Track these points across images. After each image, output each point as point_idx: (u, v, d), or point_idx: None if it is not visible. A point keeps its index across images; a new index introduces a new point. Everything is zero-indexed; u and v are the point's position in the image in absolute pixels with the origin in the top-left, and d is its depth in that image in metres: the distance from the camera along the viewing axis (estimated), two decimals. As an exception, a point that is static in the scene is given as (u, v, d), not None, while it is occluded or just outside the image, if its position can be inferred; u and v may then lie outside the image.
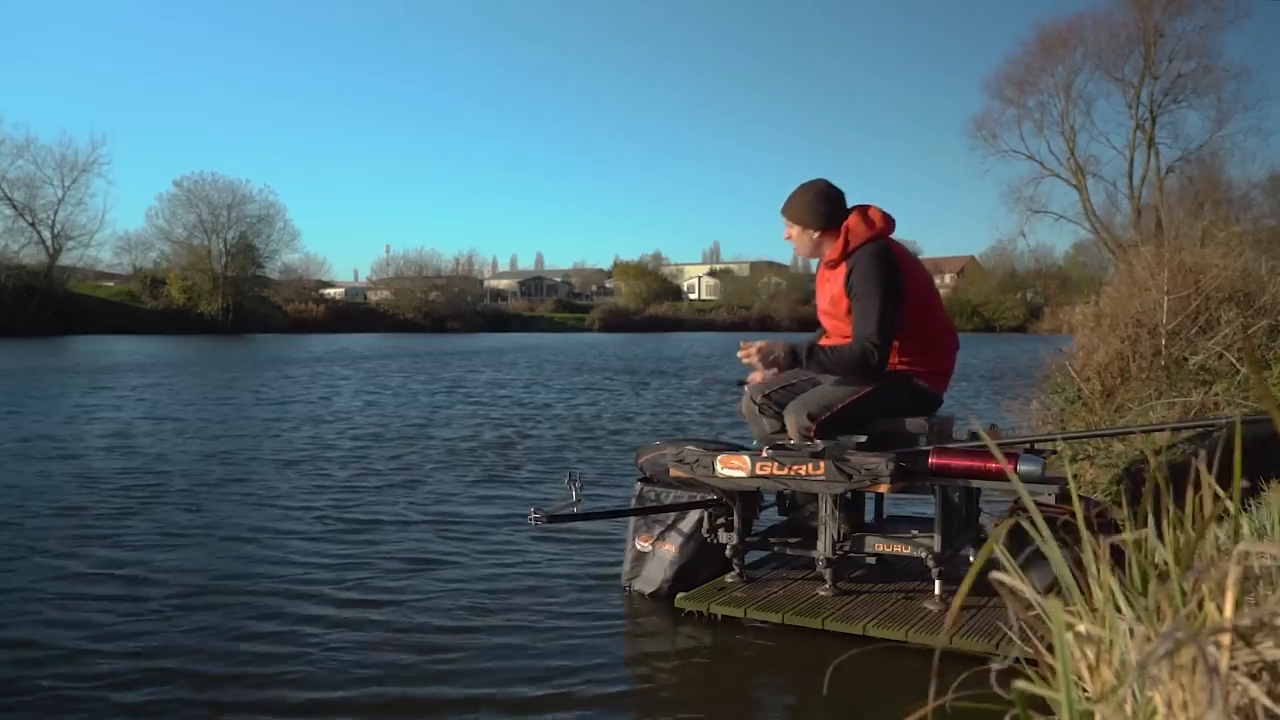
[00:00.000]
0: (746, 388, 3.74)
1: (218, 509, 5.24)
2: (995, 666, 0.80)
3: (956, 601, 0.88)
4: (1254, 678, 0.69)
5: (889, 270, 3.39)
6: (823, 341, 3.57)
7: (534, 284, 78.28)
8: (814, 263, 3.73)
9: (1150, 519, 0.90)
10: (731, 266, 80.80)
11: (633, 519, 3.76)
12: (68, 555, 4.23)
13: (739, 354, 3.58)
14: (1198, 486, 0.91)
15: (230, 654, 3.08)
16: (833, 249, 3.49)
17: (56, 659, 2.99)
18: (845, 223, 3.47)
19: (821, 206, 3.51)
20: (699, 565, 3.68)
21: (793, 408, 3.44)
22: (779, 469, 3.32)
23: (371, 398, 12.02)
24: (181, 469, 6.50)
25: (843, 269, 3.46)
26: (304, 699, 2.73)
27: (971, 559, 3.49)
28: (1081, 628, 0.81)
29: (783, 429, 3.56)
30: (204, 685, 2.82)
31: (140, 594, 3.68)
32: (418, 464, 6.85)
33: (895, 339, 3.39)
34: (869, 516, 3.89)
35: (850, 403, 3.40)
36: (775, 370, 3.58)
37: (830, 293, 3.53)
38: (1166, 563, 0.86)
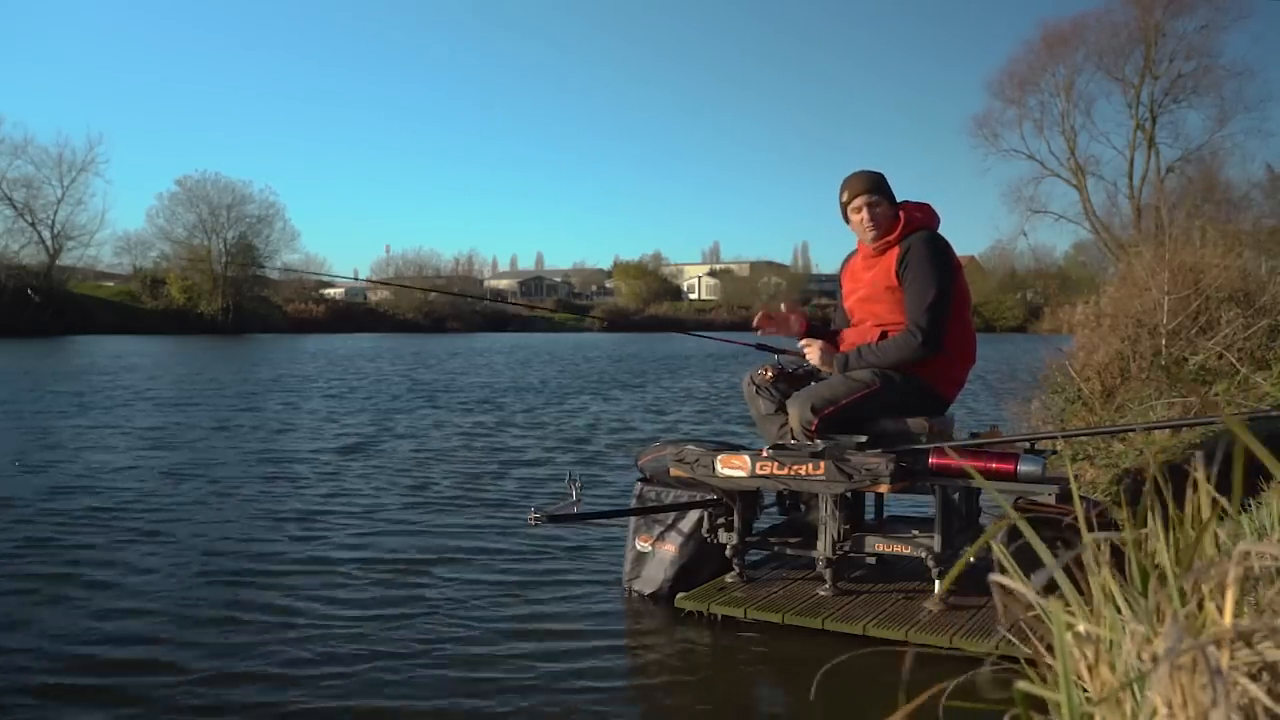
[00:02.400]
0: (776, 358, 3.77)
1: (111, 549, 4.29)
2: (994, 666, 0.80)
3: (941, 589, 0.87)
4: (1254, 678, 0.69)
5: (945, 259, 3.46)
6: (852, 329, 3.62)
7: (534, 284, 78.35)
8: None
9: (1150, 519, 0.90)
10: (731, 266, 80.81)
11: (633, 519, 3.76)
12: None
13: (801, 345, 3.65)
14: (1197, 486, 0.91)
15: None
16: (889, 231, 3.52)
17: None
18: (903, 209, 3.54)
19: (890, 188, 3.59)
20: (699, 565, 3.68)
21: (797, 400, 3.44)
22: (779, 469, 3.32)
23: (337, 404, 11.29)
24: (94, 489, 5.67)
25: (894, 252, 3.48)
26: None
27: (971, 559, 3.49)
28: (1081, 628, 0.81)
29: (777, 411, 3.59)
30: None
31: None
32: (412, 465, 6.85)
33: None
34: (869, 516, 3.88)
35: (855, 399, 3.40)
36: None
37: (873, 277, 3.54)
38: (1167, 563, 0.86)
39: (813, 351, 3.57)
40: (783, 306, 3.80)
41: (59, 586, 3.77)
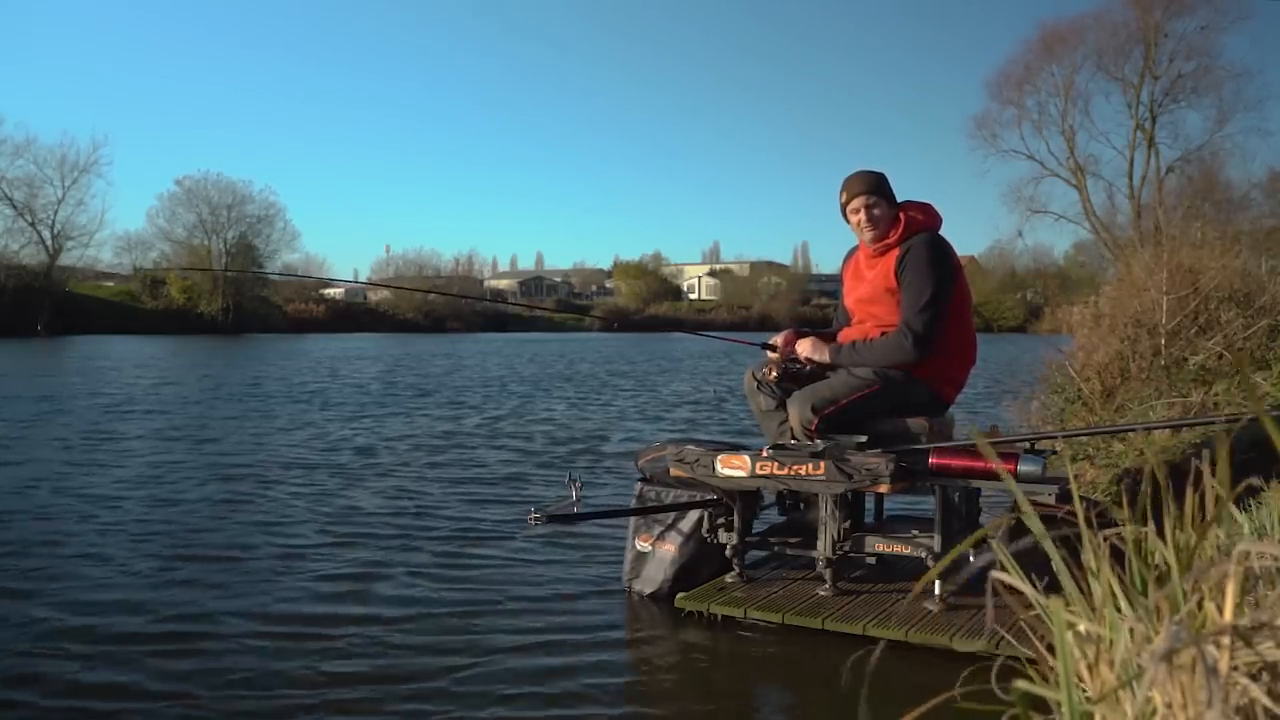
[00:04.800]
0: (768, 353, 3.76)
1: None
2: (996, 666, 0.81)
3: (934, 572, 0.87)
4: (1254, 678, 0.69)
5: (945, 260, 3.46)
6: (853, 328, 3.62)
7: (534, 284, 78.34)
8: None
9: (1150, 519, 0.90)
10: (731, 266, 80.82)
11: (633, 519, 3.77)
12: None
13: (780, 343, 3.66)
14: (1197, 486, 0.92)
15: None
16: (891, 233, 3.52)
17: None
18: (905, 210, 3.54)
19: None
20: (699, 565, 3.68)
21: (797, 399, 3.45)
22: (779, 469, 3.33)
23: (298, 410, 10.55)
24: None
25: (894, 254, 3.49)
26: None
27: (972, 559, 3.49)
28: (1081, 628, 0.81)
29: (778, 407, 3.59)
30: None
31: None
32: (401, 466, 6.85)
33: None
34: (869, 516, 3.89)
35: (855, 399, 3.40)
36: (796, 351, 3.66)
37: (874, 277, 3.55)
38: (1166, 562, 0.86)
39: (804, 346, 3.59)
40: (780, 340, 3.76)
41: None
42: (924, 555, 3.31)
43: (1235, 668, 0.69)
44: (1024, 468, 3.17)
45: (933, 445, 3.33)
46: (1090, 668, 0.80)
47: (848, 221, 3.62)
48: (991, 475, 3.24)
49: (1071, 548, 0.89)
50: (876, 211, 3.51)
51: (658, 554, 3.69)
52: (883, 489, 3.31)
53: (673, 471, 3.55)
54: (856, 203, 3.53)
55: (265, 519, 5.01)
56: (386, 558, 4.23)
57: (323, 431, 8.73)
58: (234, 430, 8.73)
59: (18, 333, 31.93)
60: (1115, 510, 0.96)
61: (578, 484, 3.64)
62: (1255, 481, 0.97)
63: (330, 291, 54.10)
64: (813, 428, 3.39)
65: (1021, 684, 0.74)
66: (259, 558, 4.23)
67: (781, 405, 3.58)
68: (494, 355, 24.89)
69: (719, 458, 3.43)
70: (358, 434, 8.56)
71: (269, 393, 12.76)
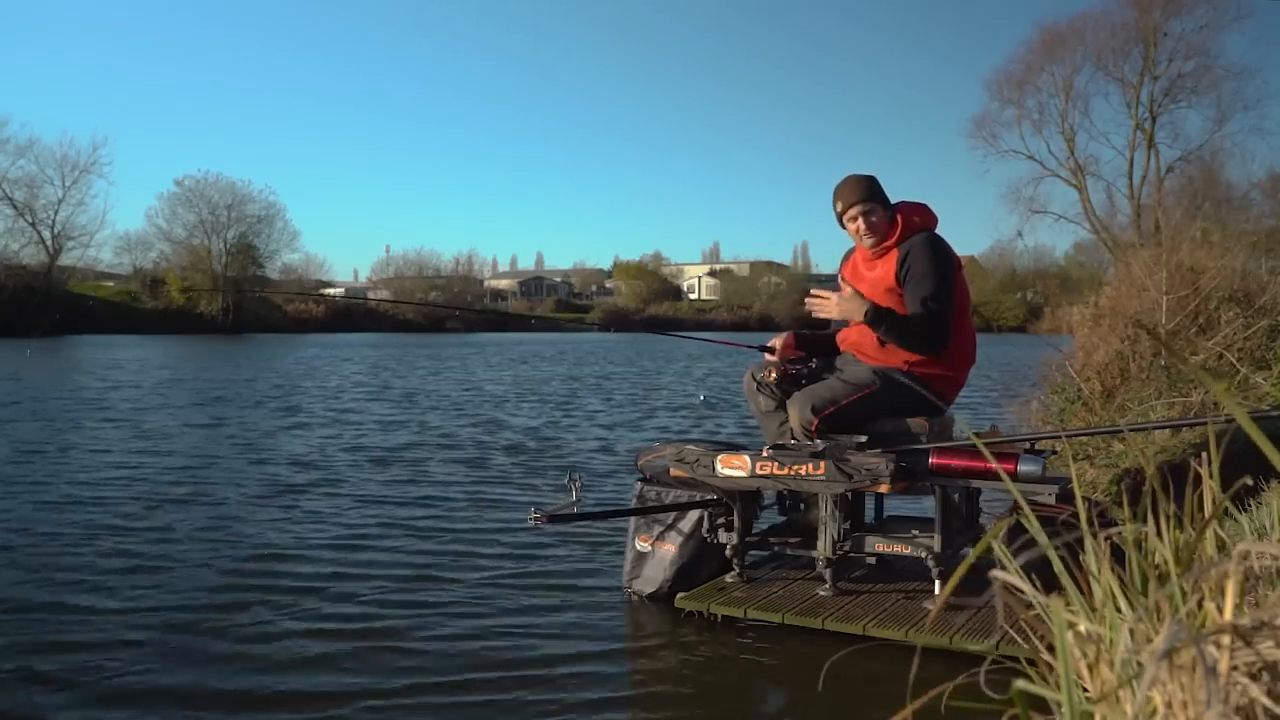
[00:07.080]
0: (766, 355, 3.76)
1: None
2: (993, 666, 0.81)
3: (942, 596, 0.88)
4: (1254, 678, 0.69)
5: (946, 258, 3.49)
6: (853, 326, 3.59)
7: (534, 284, 78.28)
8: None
9: (1150, 518, 0.90)
10: (731, 266, 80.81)
11: (633, 519, 3.77)
12: None
13: (810, 301, 3.64)
14: (1196, 486, 0.92)
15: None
16: (887, 235, 3.53)
17: None
18: (901, 211, 3.55)
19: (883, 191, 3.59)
20: (699, 565, 3.68)
21: (797, 399, 3.45)
22: (779, 469, 3.33)
23: (257, 414, 9.96)
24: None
25: (894, 255, 3.49)
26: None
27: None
28: (1082, 627, 0.81)
29: (778, 408, 3.60)
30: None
31: None
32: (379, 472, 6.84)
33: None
34: (869, 516, 3.89)
35: (855, 399, 3.41)
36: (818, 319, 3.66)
37: (874, 278, 3.55)
38: (1166, 562, 0.86)
39: (834, 303, 3.53)
40: (779, 343, 3.77)
41: None
42: (924, 555, 3.31)
43: (1235, 668, 0.69)
44: (1024, 468, 3.18)
45: (933, 445, 3.34)
46: (1090, 667, 0.80)
47: (844, 228, 3.62)
48: (992, 475, 3.24)
49: (1072, 547, 0.89)
50: (874, 218, 3.52)
51: (658, 554, 3.69)
52: (883, 489, 3.31)
53: (673, 472, 3.55)
54: (854, 211, 3.53)
55: (199, 556, 4.18)
56: (366, 576, 4.20)
57: (275, 442, 7.93)
58: (180, 441, 7.89)
59: (16, 332, 31.85)
60: (1115, 510, 0.96)
61: (578, 483, 3.64)
62: (1250, 481, 0.97)
63: (330, 291, 54.13)
64: (813, 428, 3.39)
65: (1021, 684, 0.74)
66: (211, 609, 3.46)
67: (781, 406, 3.58)
68: (489, 357, 24.62)
69: (719, 458, 3.43)
70: (313, 445, 7.77)
71: (230, 397, 11.90)
